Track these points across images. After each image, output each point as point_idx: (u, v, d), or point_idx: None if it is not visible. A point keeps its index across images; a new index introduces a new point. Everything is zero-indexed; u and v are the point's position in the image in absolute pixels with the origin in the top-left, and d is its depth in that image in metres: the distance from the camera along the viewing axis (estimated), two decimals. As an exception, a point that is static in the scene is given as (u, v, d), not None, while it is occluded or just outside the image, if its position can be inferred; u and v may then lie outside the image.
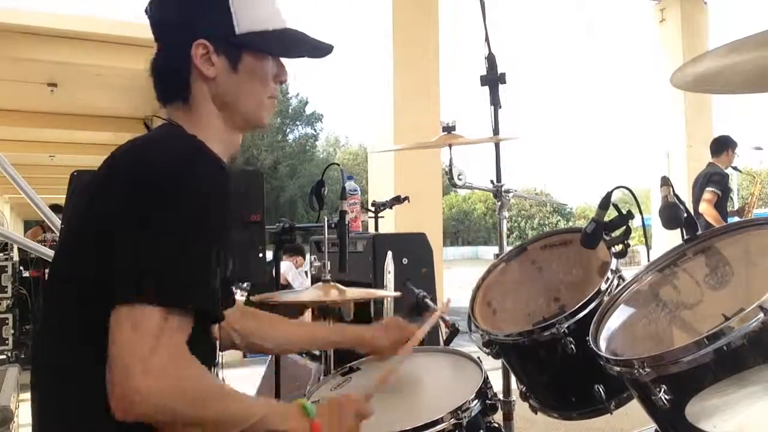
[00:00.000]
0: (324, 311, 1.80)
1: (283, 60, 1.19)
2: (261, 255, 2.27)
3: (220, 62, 1.10)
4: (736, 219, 5.18)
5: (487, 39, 2.08)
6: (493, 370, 1.55)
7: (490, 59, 2.07)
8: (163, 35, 1.13)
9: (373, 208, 3.37)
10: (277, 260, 2.52)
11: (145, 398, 0.85)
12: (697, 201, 5.11)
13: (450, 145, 1.99)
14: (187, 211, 0.93)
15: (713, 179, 5.07)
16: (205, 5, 1.11)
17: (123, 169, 1.00)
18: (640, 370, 1.15)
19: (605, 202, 1.56)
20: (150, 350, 0.86)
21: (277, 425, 1.00)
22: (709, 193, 5.01)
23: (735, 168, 5.52)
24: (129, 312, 0.87)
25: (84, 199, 1.04)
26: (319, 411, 1.06)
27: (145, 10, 1.15)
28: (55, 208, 3.44)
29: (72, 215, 1.10)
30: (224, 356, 1.43)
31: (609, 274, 1.55)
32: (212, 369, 1.15)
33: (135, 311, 0.87)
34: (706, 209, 4.98)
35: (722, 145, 5.29)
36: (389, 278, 2.25)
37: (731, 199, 5.52)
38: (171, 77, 1.11)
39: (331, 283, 1.72)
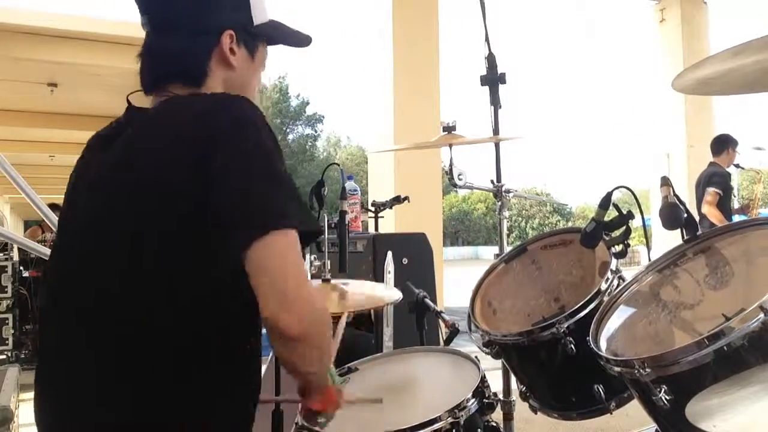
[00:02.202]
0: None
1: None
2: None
3: (240, 52, 1.15)
4: (742, 217, 5.18)
5: (487, 39, 2.08)
6: (493, 370, 1.55)
7: (490, 59, 2.07)
8: (184, 23, 1.13)
9: (373, 208, 3.37)
10: (277, 260, 2.51)
11: (313, 305, 0.92)
12: (699, 202, 5.12)
13: (450, 145, 1.99)
14: (274, 149, 0.98)
15: (714, 179, 5.08)
16: None
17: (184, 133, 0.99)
18: (641, 371, 1.15)
19: (605, 202, 1.56)
20: (300, 271, 0.92)
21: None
22: (710, 194, 5.02)
23: (737, 166, 5.51)
24: (271, 242, 0.90)
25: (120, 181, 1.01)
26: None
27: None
28: (53, 207, 3.43)
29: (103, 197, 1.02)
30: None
31: (609, 274, 1.55)
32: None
33: (276, 240, 0.90)
34: (709, 210, 4.99)
35: (722, 144, 5.29)
36: (389, 278, 2.25)
37: (734, 197, 5.53)
38: (192, 63, 1.12)
39: (331, 284, 1.71)
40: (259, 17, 1.17)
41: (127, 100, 1.15)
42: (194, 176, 0.93)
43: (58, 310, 1.03)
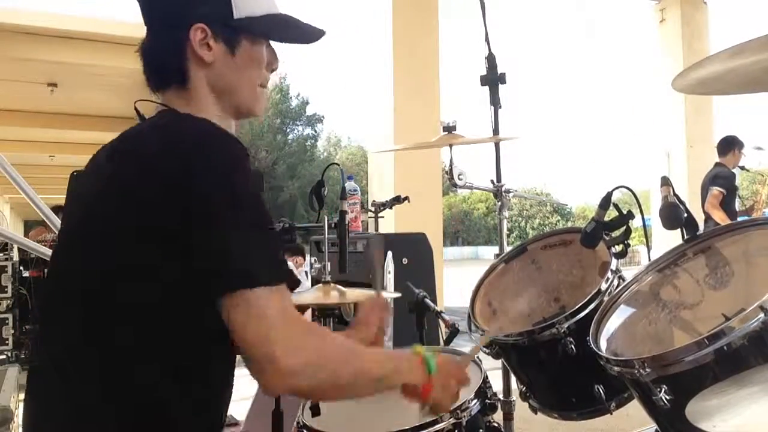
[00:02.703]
0: (324, 312, 1.80)
1: (275, 46, 1.19)
2: (261, 255, 2.26)
3: (217, 47, 1.08)
4: (746, 217, 5.19)
5: (487, 39, 2.08)
6: (493, 370, 1.55)
7: (490, 59, 2.07)
8: (157, 19, 1.11)
9: (373, 208, 3.37)
10: (277, 260, 2.51)
11: (295, 376, 0.88)
12: (704, 202, 5.13)
13: (450, 145, 1.99)
14: (249, 195, 0.94)
15: (718, 179, 5.10)
16: None
17: (153, 163, 0.95)
18: (641, 371, 1.15)
19: (605, 202, 1.56)
20: (282, 330, 0.88)
21: (403, 377, 1.02)
22: (714, 194, 5.03)
23: (742, 168, 5.53)
24: (246, 300, 0.88)
25: (95, 195, 1.01)
26: (439, 368, 1.06)
27: None
28: (57, 209, 3.43)
29: (82, 213, 1.03)
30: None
31: (609, 274, 1.55)
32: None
33: (252, 298, 0.88)
34: (712, 209, 5.00)
35: (729, 145, 5.31)
36: (389, 278, 2.25)
37: (739, 197, 5.53)
38: (167, 62, 1.09)
39: (332, 284, 1.71)
40: (243, 10, 1.09)
41: (136, 109, 1.12)
42: (167, 200, 0.91)
43: (49, 312, 1.04)
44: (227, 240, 0.90)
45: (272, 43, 1.18)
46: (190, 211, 0.90)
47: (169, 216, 0.90)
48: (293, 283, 0.97)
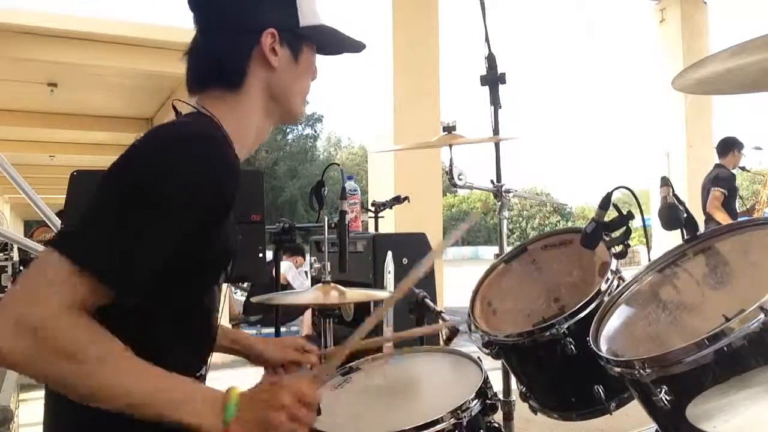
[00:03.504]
0: (324, 312, 1.80)
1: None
2: (261, 255, 2.27)
3: (283, 53, 1.11)
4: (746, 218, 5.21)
5: (487, 39, 2.08)
6: (493, 370, 1.55)
7: (490, 59, 2.07)
8: (222, 21, 1.11)
9: (373, 208, 3.37)
10: (277, 260, 2.52)
11: (5, 341, 0.81)
12: (705, 203, 5.15)
13: (450, 145, 1.99)
14: (156, 197, 0.91)
15: (719, 180, 5.11)
16: None
17: (124, 155, 0.98)
18: (641, 371, 1.15)
19: (605, 202, 1.56)
20: (38, 294, 0.84)
21: (188, 416, 0.88)
22: (715, 195, 5.05)
23: (743, 168, 5.55)
24: (45, 256, 0.87)
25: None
26: (241, 407, 0.91)
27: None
28: (60, 213, 3.43)
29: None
30: (228, 356, 1.42)
31: (609, 275, 1.55)
32: (207, 357, 1.15)
33: (50, 257, 0.86)
34: (714, 210, 5.01)
35: (728, 146, 5.32)
36: (389, 278, 2.24)
37: (739, 197, 5.55)
38: (228, 62, 1.09)
39: (331, 284, 1.71)
40: (306, 19, 1.13)
41: (174, 108, 1.12)
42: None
43: None
44: (92, 210, 0.92)
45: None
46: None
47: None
48: (120, 286, 0.89)
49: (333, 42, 1.20)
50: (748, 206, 5.99)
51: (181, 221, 0.93)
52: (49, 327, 0.82)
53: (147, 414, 0.87)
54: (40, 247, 2.89)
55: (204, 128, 1.03)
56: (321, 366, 1.14)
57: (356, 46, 1.23)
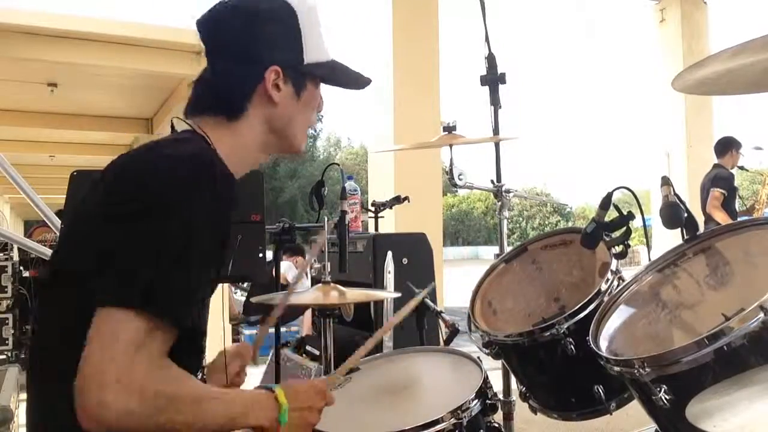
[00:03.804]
0: (324, 312, 1.80)
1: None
2: (261, 255, 2.27)
3: (286, 89, 1.12)
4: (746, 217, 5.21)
5: (487, 39, 2.08)
6: (493, 370, 1.55)
7: (490, 59, 2.07)
8: (231, 53, 1.12)
9: (373, 208, 3.37)
10: (277, 260, 2.51)
11: (113, 412, 0.82)
12: (704, 203, 5.15)
13: (450, 145, 1.99)
14: (189, 225, 0.91)
15: (718, 181, 5.11)
16: (281, 32, 1.12)
17: (131, 174, 0.98)
18: (641, 370, 1.15)
19: (606, 203, 1.56)
20: (127, 362, 0.83)
21: (254, 422, 0.99)
22: (715, 195, 5.05)
23: (741, 167, 5.55)
24: (110, 317, 0.85)
25: (90, 201, 1.03)
26: (290, 407, 1.02)
27: (198, 23, 1.14)
28: (59, 213, 3.43)
29: (75, 217, 1.07)
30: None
31: (609, 275, 1.55)
32: (197, 374, 1.15)
33: (118, 316, 0.85)
34: (714, 210, 5.02)
35: (726, 146, 5.32)
36: (389, 278, 2.25)
37: (739, 197, 5.55)
38: (233, 93, 1.10)
39: (331, 284, 1.71)
40: (312, 56, 1.14)
41: (172, 126, 1.13)
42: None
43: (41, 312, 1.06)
44: (114, 242, 0.90)
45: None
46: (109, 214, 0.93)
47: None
48: (184, 322, 0.91)
49: (338, 78, 1.22)
50: (747, 206, 5.99)
51: (215, 247, 0.97)
52: (149, 388, 0.85)
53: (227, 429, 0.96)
54: (40, 247, 2.89)
55: (206, 150, 1.03)
56: (330, 378, 1.20)
57: (361, 83, 1.25)
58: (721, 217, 4.95)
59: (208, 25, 1.14)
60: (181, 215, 0.91)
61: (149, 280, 0.87)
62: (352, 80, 1.24)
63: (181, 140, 1.06)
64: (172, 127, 1.13)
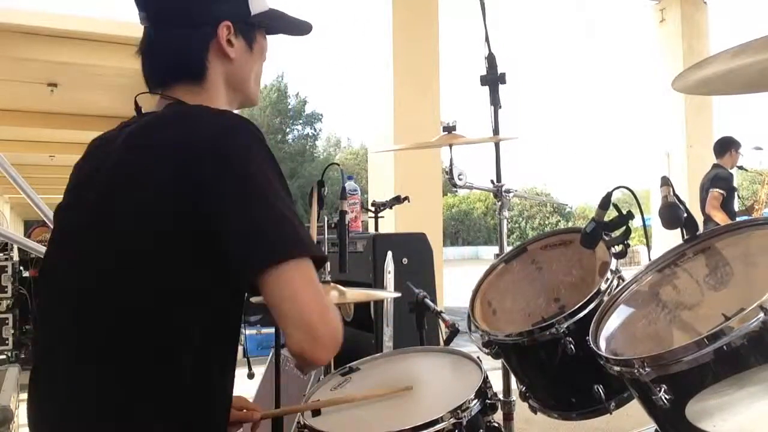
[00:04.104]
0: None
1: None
2: (261, 255, 2.26)
3: (238, 43, 1.13)
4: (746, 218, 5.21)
5: (487, 39, 2.08)
6: (493, 370, 1.55)
7: (490, 59, 2.07)
8: (175, 16, 1.11)
9: (373, 208, 3.37)
10: (277, 260, 2.51)
11: (340, 332, 0.93)
12: (703, 203, 5.15)
13: (450, 145, 1.99)
14: (274, 173, 0.97)
15: (717, 181, 5.12)
16: None
17: (188, 158, 0.95)
18: (640, 370, 1.15)
19: (605, 202, 1.56)
20: (322, 297, 0.92)
21: None
22: (714, 195, 5.05)
23: (741, 167, 5.55)
24: (294, 268, 0.90)
25: (116, 193, 0.99)
26: None
27: None
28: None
29: (95, 210, 1.01)
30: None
31: (609, 275, 1.55)
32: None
33: (299, 267, 0.91)
34: (713, 210, 5.02)
35: (725, 146, 5.32)
36: (389, 278, 2.25)
37: (739, 197, 5.56)
38: (187, 57, 1.10)
39: (331, 284, 1.71)
40: (256, 7, 1.15)
41: (135, 103, 1.12)
42: (196, 189, 0.92)
43: (56, 308, 1.02)
44: (251, 219, 0.92)
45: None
46: (213, 204, 0.92)
47: (196, 218, 0.92)
48: (320, 257, 0.98)
49: (282, 26, 1.23)
50: (746, 206, 5.99)
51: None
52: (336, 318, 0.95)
53: None
54: (40, 247, 2.89)
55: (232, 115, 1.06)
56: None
57: (304, 29, 1.26)
58: (720, 218, 4.95)
59: None
60: (270, 162, 0.97)
61: (295, 230, 0.94)
62: (296, 27, 1.25)
63: (190, 108, 1.07)
64: (136, 104, 1.12)
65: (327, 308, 0.92)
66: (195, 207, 0.92)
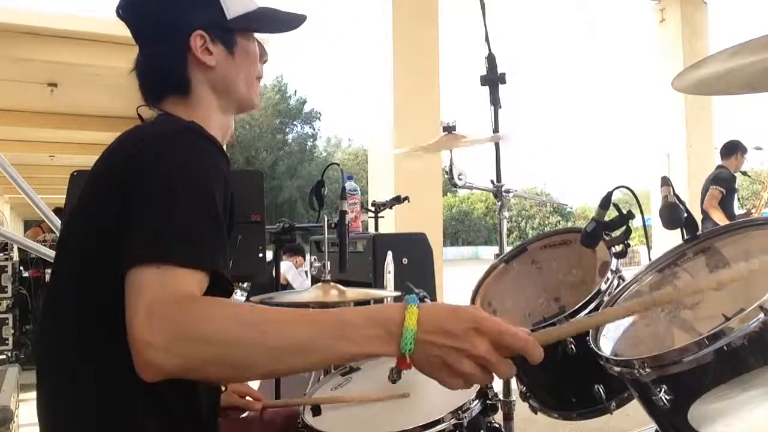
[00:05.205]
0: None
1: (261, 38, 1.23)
2: (261, 255, 2.27)
3: (217, 50, 1.12)
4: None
5: (487, 39, 2.08)
6: (493, 370, 1.55)
7: (490, 59, 2.07)
8: (151, 33, 1.13)
9: (373, 208, 3.37)
10: (277, 260, 2.51)
11: (164, 353, 0.76)
12: (703, 202, 5.17)
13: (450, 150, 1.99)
14: (193, 178, 0.92)
15: (718, 180, 5.14)
16: None
17: (123, 156, 1.00)
18: (641, 370, 1.15)
19: (606, 202, 1.56)
20: (166, 308, 0.78)
21: (358, 346, 0.82)
22: (712, 193, 5.07)
23: (744, 173, 5.57)
24: (147, 274, 0.81)
25: (88, 186, 1.04)
26: (421, 339, 0.82)
27: (118, 11, 1.14)
28: (57, 211, 3.44)
29: (74, 209, 1.05)
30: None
31: (609, 274, 1.54)
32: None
33: (158, 273, 0.81)
34: (710, 208, 5.03)
35: (732, 149, 5.36)
36: (389, 278, 2.24)
37: (739, 199, 5.58)
38: (169, 72, 1.11)
39: (331, 284, 1.71)
40: (235, 10, 1.14)
41: (138, 115, 1.15)
42: (119, 191, 0.93)
43: (50, 305, 1.04)
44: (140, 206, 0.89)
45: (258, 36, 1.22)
46: (126, 195, 0.91)
47: (113, 211, 0.92)
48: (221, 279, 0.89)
49: (267, 25, 1.21)
50: (746, 209, 6.00)
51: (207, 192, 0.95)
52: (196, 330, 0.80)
53: (319, 361, 0.84)
54: (40, 247, 2.89)
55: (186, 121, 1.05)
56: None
57: (294, 23, 1.23)
58: (718, 216, 4.96)
59: (126, 13, 1.14)
60: (185, 173, 0.93)
61: (177, 235, 0.87)
62: (284, 23, 1.23)
63: (158, 117, 1.10)
64: (140, 116, 1.15)
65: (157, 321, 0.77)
66: (121, 207, 0.92)
